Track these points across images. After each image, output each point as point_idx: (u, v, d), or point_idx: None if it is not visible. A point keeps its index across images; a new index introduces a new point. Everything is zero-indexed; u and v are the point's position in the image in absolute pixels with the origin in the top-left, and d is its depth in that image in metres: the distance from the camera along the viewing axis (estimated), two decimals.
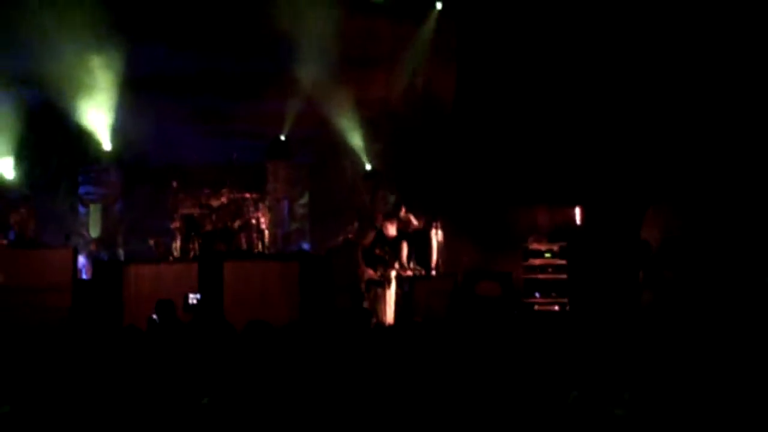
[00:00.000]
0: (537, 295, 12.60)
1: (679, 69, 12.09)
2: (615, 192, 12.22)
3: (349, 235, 12.44)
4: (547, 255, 12.64)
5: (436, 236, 12.45)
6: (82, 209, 14.13)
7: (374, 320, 10.54)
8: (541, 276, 12.61)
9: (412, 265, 11.82)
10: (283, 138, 14.46)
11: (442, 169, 13.94)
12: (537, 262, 12.67)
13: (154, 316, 9.19)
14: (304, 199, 14.58)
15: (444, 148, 14.15)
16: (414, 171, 13.90)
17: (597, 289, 11.63)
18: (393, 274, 11.36)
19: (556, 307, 12.24)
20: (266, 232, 12.64)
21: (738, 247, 10.77)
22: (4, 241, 11.60)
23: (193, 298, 10.77)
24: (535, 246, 12.78)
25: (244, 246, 12.28)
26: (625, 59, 12.55)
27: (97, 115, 14.14)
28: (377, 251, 11.40)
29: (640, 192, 11.50)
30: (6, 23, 13.26)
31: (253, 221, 12.43)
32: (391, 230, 11.52)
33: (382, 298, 11.08)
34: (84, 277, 12.56)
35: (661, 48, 12.18)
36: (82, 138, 14.01)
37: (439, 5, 14.56)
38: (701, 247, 10.83)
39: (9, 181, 13.52)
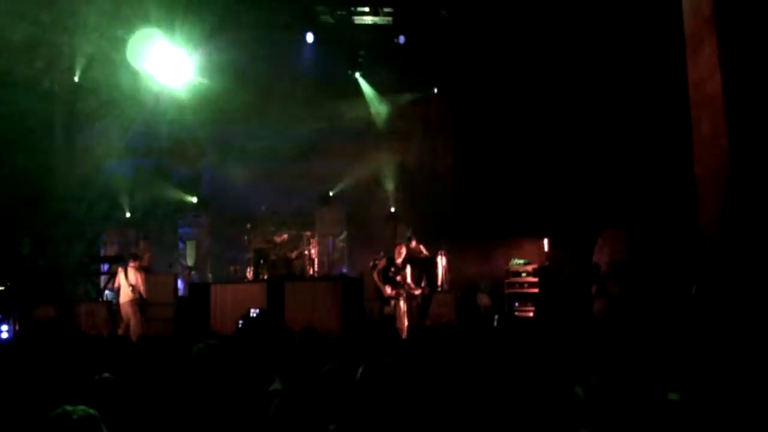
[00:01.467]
0: (516, 304, 12.63)
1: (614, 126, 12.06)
2: (572, 228, 12.16)
3: (377, 262, 12.45)
4: (524, 274, 12.70)
5: (442, 261, 12.51)
6: (181, 244, 14.16)
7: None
8: (519, 290, 12.65)
9: (423, 284, 11.84)
10: (330, 193, 14.54)
11: (446, 212, 14.05)
12: (516, 279, 12.73)
13: (240, 323, 9.17)
14: (344, 236, 14.47)
15: (446, 197, 14.29)
16: (424, 213, 14.01)
17: (560, 300, 11.58)
18: (402, 291, 11.42)
19: (531, 314, 12.22)
20: (316, 260, 12.73)
21: (668, 266, 10.67)
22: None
23: (253, 312, 10.57)
24: (514, 268, 12.85)
25: (300, 271, 12.38)
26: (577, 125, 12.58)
27: (192, 175, 14.43)
28: (390, 273, 11.42)
29: (590, 227, 11.44)
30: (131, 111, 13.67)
31: (306, 252, 12.50)
32: (399, 257, 11.55)
33: (398, 309, 11.05)
34: (182, 294, 12.63)
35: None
36: (182, 191, 14.28)
37: (435, 90, 14.74)
38: (640, 267, 10.74)
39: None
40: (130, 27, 12.83)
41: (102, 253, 12.75)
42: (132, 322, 10.48)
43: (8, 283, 10.49)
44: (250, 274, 12.21)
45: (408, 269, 11.29)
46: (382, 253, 12.72)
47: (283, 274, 12.04)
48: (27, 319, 10.20)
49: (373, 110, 14.66)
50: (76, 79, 13.56)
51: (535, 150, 13.14)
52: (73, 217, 13.42)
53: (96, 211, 13.72)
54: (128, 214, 13.88)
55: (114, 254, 12.24)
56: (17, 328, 10.17)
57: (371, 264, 12.40)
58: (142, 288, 10.65)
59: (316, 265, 12.66)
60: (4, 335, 10.02)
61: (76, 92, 13.74)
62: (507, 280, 12.70)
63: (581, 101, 12.43)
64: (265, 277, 11.96)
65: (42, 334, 9.42)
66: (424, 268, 11.86)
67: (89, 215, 13.65)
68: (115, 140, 13.82)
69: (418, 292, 11.38)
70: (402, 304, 10.97)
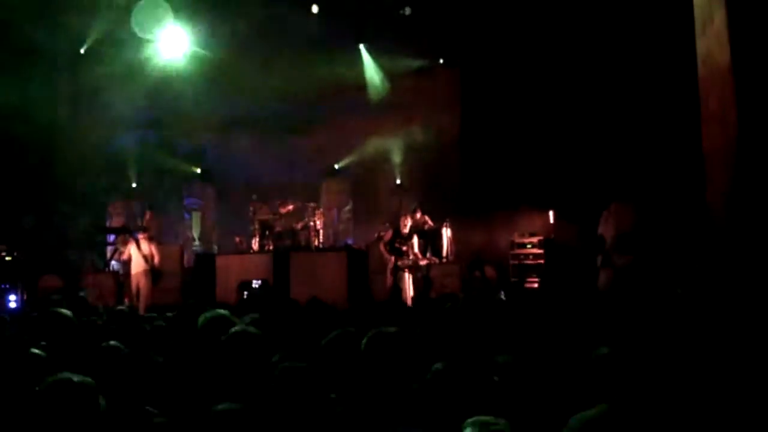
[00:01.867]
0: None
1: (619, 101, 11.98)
2: (578, 200, 12.12)
3: (382, 233, 12.47)
4: (529, 246, 12.69)
5: (447, 233, 12.48)
6: (186, 216, 14.20)
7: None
8: (525, 262, 12.66)
9: (428, 254, 11.87)
10: (336, 166, 14.50)
11: (451, 184, 14.03)
12: (521, 251, 12.73)
13: (245, 294, 9.20)
14: (349, 207, 14.52)
15: (452, 169, 14.25)
16: (430, 185, 13.98)
17: (565, 271, 11.58)
18: (408, 262, 11.46)
19: (536, 285, 12.24)
20: (321, 232, 12.74)
21: (674, 239, 10.66)
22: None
23: (255, 283, 10.64)
24: (519, 240, 12.83)
25: (305, 242, 12.41)
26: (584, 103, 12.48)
27: (196, 147, 14.41)
28: (396, 244, 11.44)
29: (596, 200, 11.39)
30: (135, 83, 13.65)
31: (312, 224, 12.50)
32: (405, 227, 11.60)
33: (404, 280, 11.10)
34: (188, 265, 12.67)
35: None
36: (187, 163, 14.28)
37: (441, 61, 14.63)
38: (645, 239, 10.74)
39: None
40: None
41: (108, 224, 12.78)
42: (143, 292, 10.50)
43: (15, 254, 10.52)
44: (255, 245, 12.20)
45: (414, 240, 11.27)
46: (387, 224, 12.74)
47: (288, 245, 12.07)
48: (33, 290, 10.26)
49: (376, 82, 14.53)
50: (81, 51, 13.44)
51: (541, 122, 13.01)
52: (78, 188, 13.44)
53: (101, 183, 13.73)
54: (134, 185, 13.82)
55: (120, 225, 12.26)
56: (24, 298, 10.23)
57: (376, 236, 12.44)
58: (157, 258, 10.67)
59: (321, 237, 12.67)
60: (13, 305, 10.10)
61: (80, 64, 13.62)
62: (512, 252, 12.67)
63: (590, 73, 12.29)
64: (271, 248, 11.98)
65: (48, 304, 9.46)
66: (429, 239, 11.90)
67: (94, 187, 13.66)
68: (119, 112, 13.75)
69: (424, 262, 11.42)
70: (407, 274, 10.98)
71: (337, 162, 14.51)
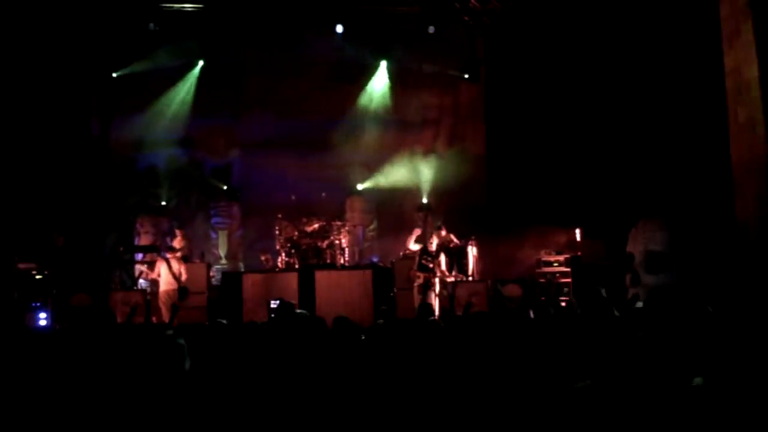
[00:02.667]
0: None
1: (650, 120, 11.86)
2: (605, 216, 12.01)
3: (407, 251, 12.45)
4: (555, 264, 12.56)
5: (472, 251, 12.43)
6: (213, 234, 14.22)
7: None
8: (552, 280, 12.48)
9: (454, 272, 11.82)
10: (360, 186, 14.52)
11: (476, 201, 13.97)
12: (548, 269, 12.60)
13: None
14: (374, 225, 14.48)
15: (477, 186, 14.20)
16: (455, 202, 13.93)
17: (594, 290, 11.40)
18: (437, 279, 11.41)
19: (563, 304, 12.05)
20: (346, 250, 12.74)
21: (704, 255, 10.51)
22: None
23: (273, 303, 10.58)
24: (546, 257, 12.71)
25: (331, 260, 12.37)
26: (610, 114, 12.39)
27: (223, 166, 14.52)
28: (423, 261, 11.43)
29: (623, 217, 11.28)
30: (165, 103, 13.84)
31: (337, 241, 12.51)
32: (433, 245, 11.58)
33: (430, 297, 11.07)
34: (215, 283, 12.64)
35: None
36: (214, 182, 14.39)
37: (465, 77, 14.62)
38: (674, 256, 10.60)
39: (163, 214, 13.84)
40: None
41: (136, 242, 12.89)
42: (165, 310, 10.61)
43: (45, 272, 10.64)
44: (281, 263, 12.22)
45: (441, 257, 11.23)
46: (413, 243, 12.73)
47: (313, 263, 12.08)
48: (64, 307, 10.34)
49: (398, 100, 14.57)
50: (114, 75, 13.80)
51: (566, 138, 12.97)
52: (107, 206, 13.59)
53: (130, 201, 13.88)
54: (163, 203, 13.98)
55: (148, 243, 12.35)
56: (54, 315, 10.32)
57: (401, 254, 12.42)
58: (184, 277, 10.92)
59: (346, 255, 12.65)
60: (43, 322, 10.19)
61: (112, 86, 13.92)
62: (538, 270, 12.55)
63: (616, 88, 12.23)
64: (297, 266, 12.00)
65: (78, 322, 9.55)
66: (455, 256, 11.85)
67: (123, 205, 13.81)
68: (147, 131, 13.96)
69: (451, 279, 11.37)
70: (433, 292, 10.93)
71: (361, 180, 14.51)
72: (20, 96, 12.08)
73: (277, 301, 9.62)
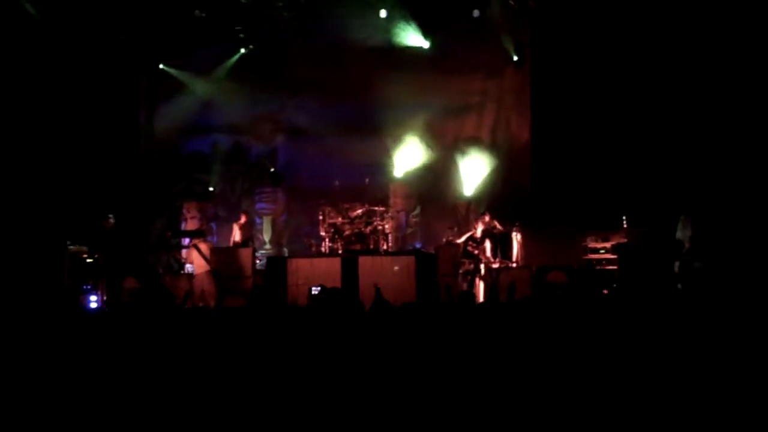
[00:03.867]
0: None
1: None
2: (652, 202, 11.79)
3: (450, 237, 12.39)
4: (602, 251, 12.35)
5: (517, 237, 12.31)
6: (258, 220, 14.34)
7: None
8: (598, 267, 12.29)
9: (498, 258, 11.75)
10: (400, 170, 14.46)
11: (521, 186, 13.83)
12: (594, 256, 12.41)
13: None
14: (417, 211, 14.41)
15: (522, 172, 14.04)
16: (499, 188, 13.80)
17: (642, 277, 11.22)
18: (482, 265, 11.36)
19: (605, 291, 11.86)
20: (389, 235, 12.74)
21: (750, 243, 10.28)
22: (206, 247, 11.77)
23: (315, 290, 10.56)
24: (592, 244, 12.51)
25: (374, 246, 12.43)
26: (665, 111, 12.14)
27: (268, 151, 14.64)
28: (469, 248, 11.38)
29: (671, 202, 11.04)
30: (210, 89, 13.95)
31: (380, 227, 12.50)
32: (478, 231, 11.52)
33: (476, 284, 11.01)
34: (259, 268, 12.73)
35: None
36: (258, 168, 14.51)
37: (512, 62, 14.43)
38: (722, 244, 10.37)
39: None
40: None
41: (183, 227, 13.08)
42: (207, 293, 10.84)
43: (96, 256, 10.88)
44: (325, 248, 12.29)
45: (486, 244, 11.16)
46: (455, 229, 12.69)
47: (357, 249, 12.12)
48: (113, 290, 10.56)
49: (442, 86, 14.44)
50: (161, 66, 14.07)
51: (614, 124, 12.75)
52: (155, 191, 13.83)
53: (177, 187, 14.09)
54: (211, 189, 14.14)
55: (194, 228, 12.52)
56: (104, 298, 10.55)
57: (445, 240, 12.37)
58: (210, 258, 11.16)
59: (390, 240, 12.65)
60: (93, 305, 10.44)
61: (158, 73, 14.16)
62: (584, 257, 12.36)
63: (665, 75, 11.97)
64: (340, 251, 12.05)
65: (130, 305, 9.76)
66: (499, 243, 11.76)
67: (170, 190, 14.03)
68: (193, 117, 14.14)
69: (496, 265, 11.30)
70: (479, 278, 10.88)
71: (404, 166, 14.46)
72: (71, 85, 12.34)
73: (318, 288, 9.70)
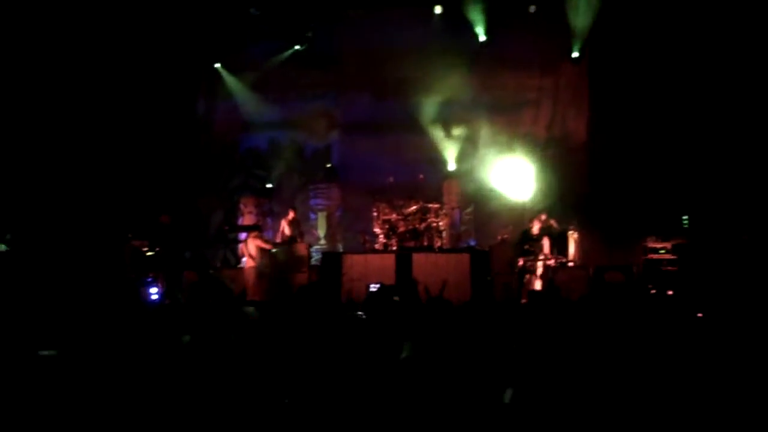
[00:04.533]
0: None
1: None
2: (715, 202, 11.46)
3: (505, 235, 12.28)
4: (662, 251, 12.03)
5: (573, 236, 12.13)
6: (312, 216, 14.48)
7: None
8: (658, 268, 11.96)
9: (554, 257, 11.59)
10: (454, 167, 14.41)
11: (578, 186, 13.60)
12: (654, 256, 12.10)
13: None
14: (471, 208, 14.33)
15: (579, 171, 13.81)
16: (556, 187, 13.61)
17: (705, 279, 10.90)
18: (539, 263, 11.23)
19: (670, 292, 11.57)
20: (443, 233, 12.70)
21: None
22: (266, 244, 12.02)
23: (373, 287, 10.67)
24: (652, 244, 12.20)
25: (428, 242, 12.38)
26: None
27: (322, 148, 14.75)
28: (526, 246, 11.27)
29: (734, 201, 10.72)
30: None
31: (434, 224, 12.49)
32: (534, 229, 11.40)
33: (531, 281, 10.91)
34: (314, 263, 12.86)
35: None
36: (313, 164, 14.63)
37: (575, 54, 14.17)
38: None
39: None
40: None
41: (240, 222, 13.30)
42: (249, 288, 11.16)
43: (157, 249, 11.13)
44: (379, 245, 12.31)
45: (544, 242, 11.10)
46: (510, 227, 12.55)
47: (411, 245, 12.12)
48: (172, 284, 10.80)
49: (497, 81, 14.30)
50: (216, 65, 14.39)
51: (675, 122, 12.44)
52: (213, 186, 14.08)
53: (234, 182, 14.31)
54: (269, 185, 14.36)
55: (251, 223, 12.72)
56: (164, 290, 10.79)
57: (499, 238, 12.26)
58: (255, 257, 11.42)
59: (443, 238, 12.60)
60: (154, 297, 10.68)
61: (215, 70, 14.45)
62: (644, 257, 12.08)
63: (727, 73, 11.61)
64: (394, 248, 12.06)
65: (188, 298, 9.99)
66: (556, 241, 11.60)
67: (228, 185, 14.26)
68: (250, 114, 14.32)
69: (552, 263, 11.16)
70: (536, 276, 10.76)
71: (459, 162, 14.38)
72: (134, 83, 12.63)
73: (377, 285, 9.71)
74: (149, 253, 11.14)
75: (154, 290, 10.75)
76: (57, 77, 11.45)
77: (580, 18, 13.80)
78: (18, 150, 10.97)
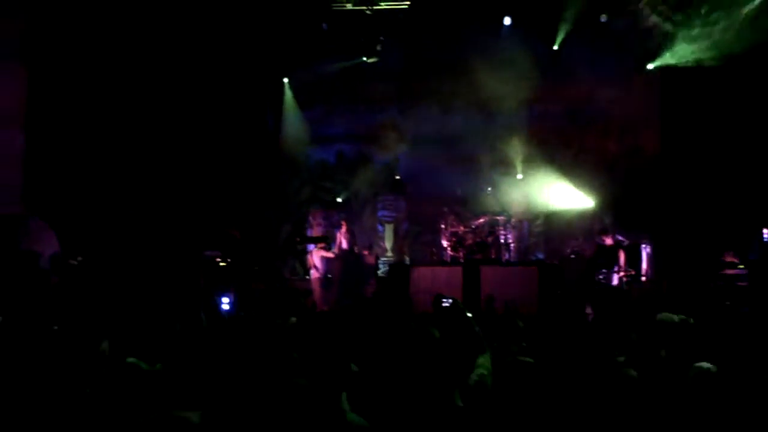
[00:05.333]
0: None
1: None
2: None
3: (575, 249, 12.16)
4: (741, 267, 11.65)
5: (646, 250, 11.92)
6: (380, 227, 14.61)
7: None
8: (736, 284, 11.56)
9: (624, 271, 11.38)
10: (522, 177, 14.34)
11: (650, 199, 13.31)
12: (731, 272, 11.71)
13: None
14: (540, 221, 14.22)
15: (652, 183, 13.52)
16: (627, 200, 13.35)
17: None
18: (614, 276, 11.07)
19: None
20: (511, 245, 12.66)
21: None
22: (330, 253, 12.28)
23: (445, 302, 10.61)
24: (729, 259, 11.81)
25: (496, 255, 12.34)
26: None
27: (390, 160, 14.89)
28: (599, 260, 11.16)
29: None
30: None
31: (502, 237, 12.48)
32: (608, 241, 11.25)
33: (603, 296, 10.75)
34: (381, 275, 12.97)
35: None
36: (381, 176, 14.79)
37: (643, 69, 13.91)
38: None
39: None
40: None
41: (309, 233, 13.53)
42: (317, 299, 11.56)
43: (228, 260, 11.44)
44: (447, 257, 12.34)
45: (617, 256, 10.97)
46: (580, 240, 12.41)
47: (478, 258, 12.11)
48: (244, 294, 11.08)
49: (567, 93, 14.15)
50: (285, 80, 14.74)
51: (751, 133, 12.05)
52: (283, 198, 14.38)
53: (303, 194, 14.58)
54: (339, 199, 14.60)
55: (319, 235, 12.93)
56: (237, 301, 11.07)
57: (569, 251, 12.13)
58: (319, 268, 11.88)
59: (511, 250, 12.54)
60: (226, 307, 10.96)
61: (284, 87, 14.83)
62: (720, 273, 11.71)
63: None
64: (462, 260, 12.06)
65: (259, 308, 10.23)
66: (628, 255, 11.41)
67: (297, 198, 14.54)
68: (319, 127, 14.61)
69: (624, 278, 11.00)
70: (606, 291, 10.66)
71: (527, 175, 14.26)
72: (204, 97, 13.00)
73: (450, 301, 9.72)
74: (221, 264, 11.45)
75: (225, 300, 11.02)
76: (133, 90, 11.84)
77: (653, 29, 13.54)
78: (95, 164, 11.37)
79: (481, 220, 12.47)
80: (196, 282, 11.10)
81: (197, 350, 4.58)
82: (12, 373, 3.94)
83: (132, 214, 11.42)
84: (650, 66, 13.73)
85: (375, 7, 13.27)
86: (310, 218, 13.65)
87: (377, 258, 12.59)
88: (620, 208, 13.34)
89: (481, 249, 12.28)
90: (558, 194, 14.04)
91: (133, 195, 11.52)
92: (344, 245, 12.34)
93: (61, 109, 10.90)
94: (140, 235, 11.41)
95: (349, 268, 11.88)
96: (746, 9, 11.81)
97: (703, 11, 12.26)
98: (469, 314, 5.50)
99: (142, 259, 10.83)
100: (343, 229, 12.39)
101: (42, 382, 3.87)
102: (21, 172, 10.66)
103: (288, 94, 14.76)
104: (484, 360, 4.06)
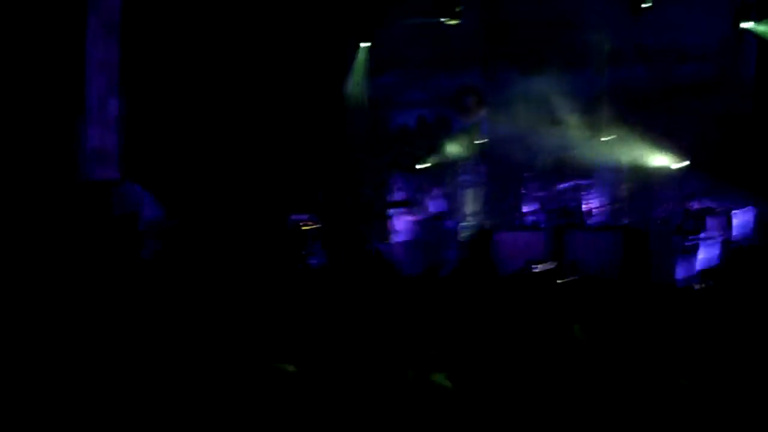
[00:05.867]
0: None
1: None
2: None
3: (663, 214, 11.90)
4: None
5: (736, 215, 11.52)
6: (461, 192, 14.63)
7: None
8: None
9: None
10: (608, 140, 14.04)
11: (744, 160, 12.80)
12: None
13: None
14: (626, 185, 13.73)
15: (744, 142, 12.97)
16: (718, 163, 12.86)
17: None
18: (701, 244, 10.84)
19: None
20: (596, 210, 12.48)
21: None
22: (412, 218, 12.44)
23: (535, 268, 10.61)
24: None
25: (579, 220, 12.21)
26: None
27: (471, 125, 14.84)
28: (684, 226, 10.94)
29: None
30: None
31: (586, 202, 12.32)
32: (692, 208, 11.01)
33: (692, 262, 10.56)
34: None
35: None
36: (462, 141, 14.79)
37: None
38: None
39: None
40: None
41: (390, 198, 13.69)
42: (399, 263, 11.63)
43: (312, 224, 11.77)
44: (529, 222, 12.29)
45: (703, 221, 10.79)
46: (669, 204, 12.13)
47: (562, 223, 12.01)
48: (330, 258, 11.39)
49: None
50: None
51: None
52: (365, 163, 14.58)
53: (384, 159, 14.74)
54: (420, 165, 14.59)
55: (401, 200, 13.08)
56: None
57: (658, 220, 11.89)
58: (402, 232, 12.04)
59: (596, 215, 12.37)
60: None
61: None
62: None
63: None
64: (545, 225, 12.04)
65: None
66: (717, 221, 11.12)
67: (378, 162, 14.70)
68: (400, 91, 14.64)
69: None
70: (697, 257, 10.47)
71: (612, 137, 13.96)
72: (284, 62, 13.24)
73: (539, 266, 9.80)
74: (306, 228, 11.78)
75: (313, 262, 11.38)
76: (222, 57, 12.16)
77: None
78: (189, 129, 11.82)
79: (566, 185, 12.32)
80: (283, 247, 11.46)
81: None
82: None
83: (224, 180, 11.85)
84: (744, 25, 13.12)
85: None
86: (392, 183, 13.80)
87: (458, 223, 12.64)
88: (711, 171, 12.90)
89: (564, 214, 12.15)
90: (645, 157, 13.72)
91: (225, 161, 11.94)
92: (426, 210, 12.39)
93: (155, 74, 11.34)
94: (229, 202, 11.85)
95: (431, 232, 11.99)
96: None
97: None
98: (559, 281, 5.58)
99: (235, 223, 11.26)
100: (425, 193, 12.46)
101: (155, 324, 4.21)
102: (117, 137, 11.18)
103: (365, 58, 14.80)
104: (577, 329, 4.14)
